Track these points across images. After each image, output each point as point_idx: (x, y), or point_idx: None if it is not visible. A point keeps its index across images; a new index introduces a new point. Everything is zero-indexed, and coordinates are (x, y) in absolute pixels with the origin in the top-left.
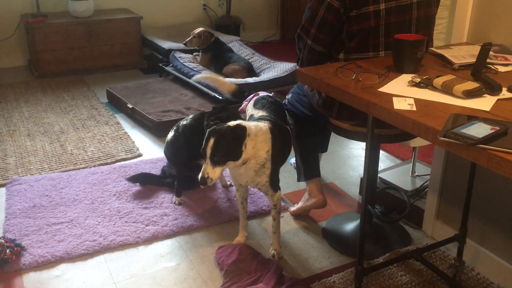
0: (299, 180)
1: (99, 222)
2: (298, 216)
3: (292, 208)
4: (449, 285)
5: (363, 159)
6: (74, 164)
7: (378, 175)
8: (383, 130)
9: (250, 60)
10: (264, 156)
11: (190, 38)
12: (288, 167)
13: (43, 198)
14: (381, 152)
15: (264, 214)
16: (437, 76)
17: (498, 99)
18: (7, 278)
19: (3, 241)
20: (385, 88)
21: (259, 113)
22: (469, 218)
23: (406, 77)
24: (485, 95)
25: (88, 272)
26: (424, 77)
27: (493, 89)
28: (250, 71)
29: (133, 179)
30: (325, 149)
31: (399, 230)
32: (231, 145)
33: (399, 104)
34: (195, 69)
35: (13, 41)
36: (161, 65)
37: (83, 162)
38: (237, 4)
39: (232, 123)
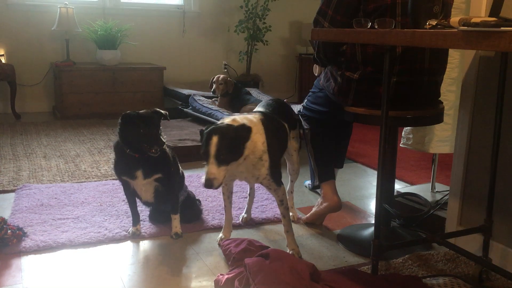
0: (313, 186)
1: (106, 220)
2: (312, 224)
3: (306, 216)
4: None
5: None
6: (86, 178)
7: (397, 190)
8: (398, 112)
9: None
10: (261, 148)
11: (216, 85)
12: (302, 187)
13: (51, 199)
14: (397, 181)
15: (276, 222)
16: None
17: None
18: (5, 259)
19: (5, 218)
20: None
21: (257, 109)
22: (494, 219)
23: None
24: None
25: (90, 259)
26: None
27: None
28: None
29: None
30: (341, 165)
31: (419, 238)
32: (235, 144)
33: None
34: (213, 108)
35: (41, 87)
36: (180, 107)
37: (96, 177)
38: (256, 63)
39: (228, 121)
